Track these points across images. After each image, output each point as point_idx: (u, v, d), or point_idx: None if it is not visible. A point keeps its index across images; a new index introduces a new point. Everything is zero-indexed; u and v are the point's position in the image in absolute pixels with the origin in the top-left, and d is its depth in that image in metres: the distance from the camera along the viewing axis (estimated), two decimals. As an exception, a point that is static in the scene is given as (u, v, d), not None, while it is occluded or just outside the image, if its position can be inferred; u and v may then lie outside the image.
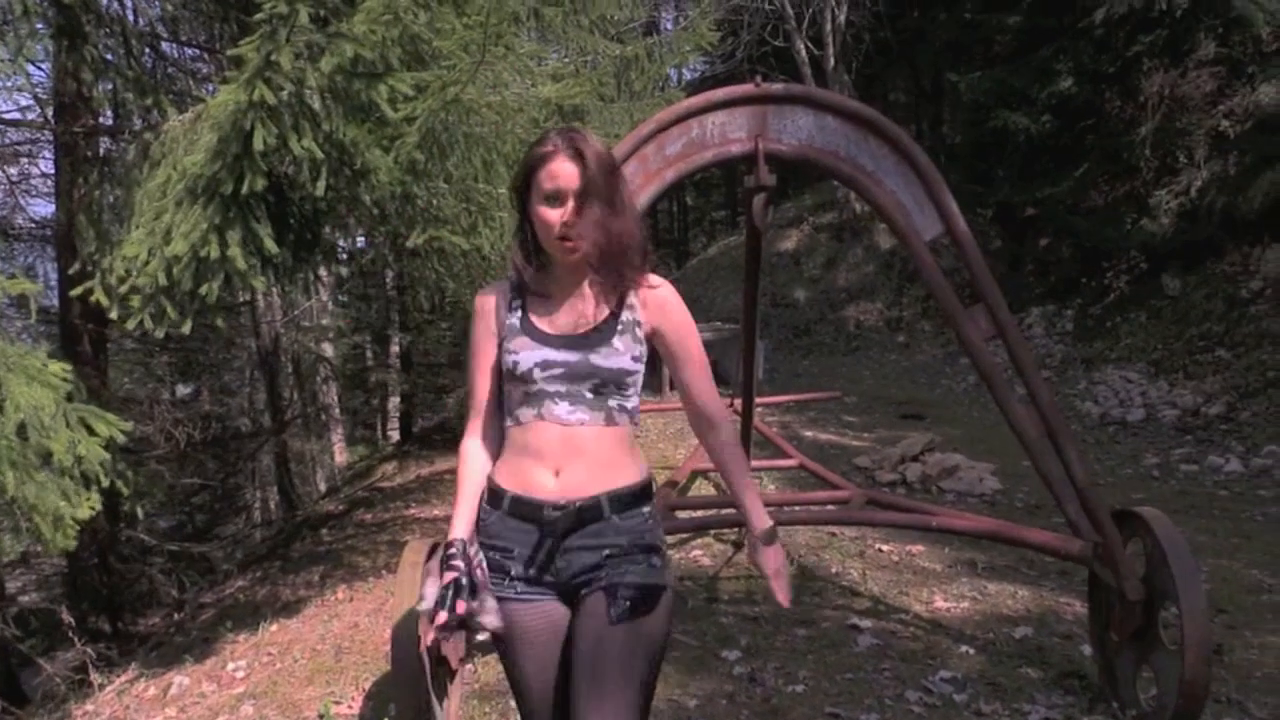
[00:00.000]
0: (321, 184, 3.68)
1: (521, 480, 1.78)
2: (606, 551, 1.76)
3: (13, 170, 8.23)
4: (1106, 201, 11.77)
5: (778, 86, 3.31)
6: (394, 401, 14.18)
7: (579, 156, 1.70)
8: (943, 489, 6.40)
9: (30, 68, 5.14)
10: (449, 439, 11.11)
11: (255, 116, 3.42)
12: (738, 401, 5.35)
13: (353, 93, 3.65)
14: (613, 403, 1.78)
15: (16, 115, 8.03)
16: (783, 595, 1.91)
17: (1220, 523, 5.57)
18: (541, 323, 1.80)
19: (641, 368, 1.80)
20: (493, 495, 1.82)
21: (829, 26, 16.73)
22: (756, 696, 3.41)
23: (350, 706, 3.71)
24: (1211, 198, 10.51)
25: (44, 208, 9.06)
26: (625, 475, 1.79)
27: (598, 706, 1.69)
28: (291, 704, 3.80)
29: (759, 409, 5.18)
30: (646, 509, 1.82)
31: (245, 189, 3.51)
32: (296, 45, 3.45)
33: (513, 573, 1.78)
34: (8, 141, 7.83)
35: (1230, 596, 4.22)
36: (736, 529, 5.02)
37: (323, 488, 13.88)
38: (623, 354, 1.76)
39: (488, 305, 1.86)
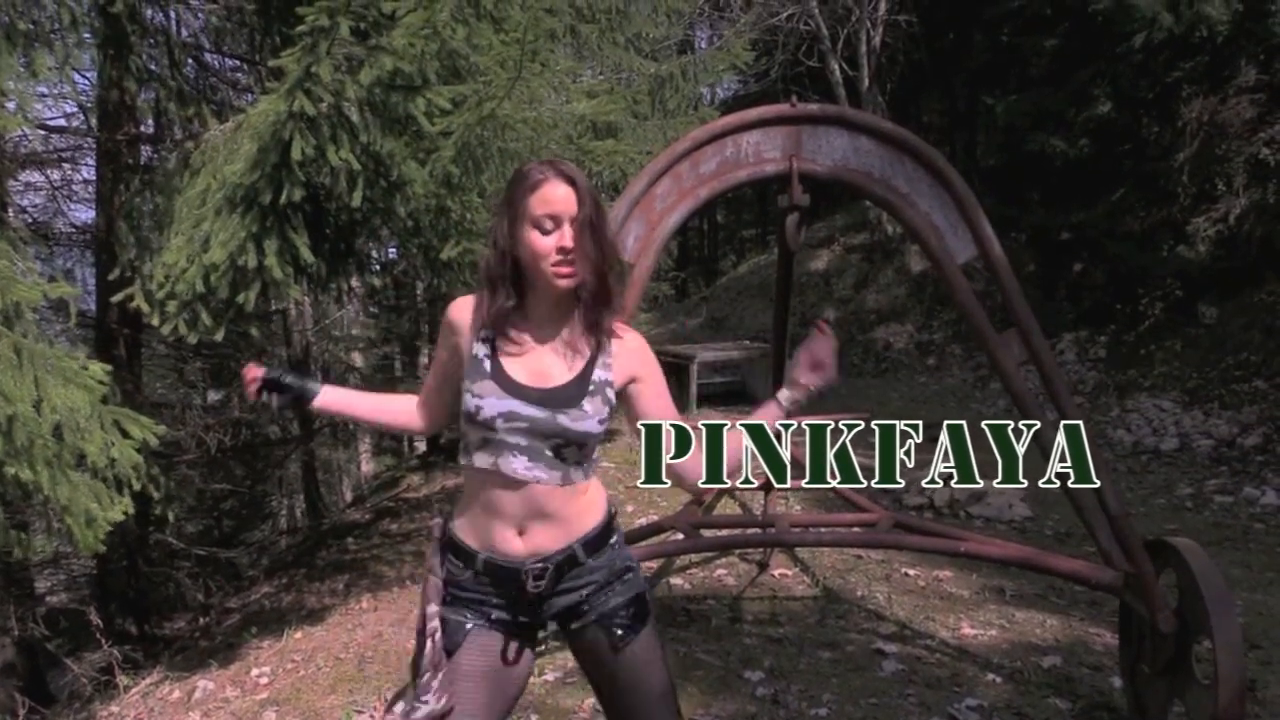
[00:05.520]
0: (358, 195, 3.72)
1: (487, 540, 1.77)
2: (586, 590, 1.79)
3: (55, 175, 8.35)
4: (1142, 228, 11.63)
5: (813, 106, 3.31)
6: (421, 412, 14.22)
7: (571, 182, 1.68)
8: (971, 514, 6.33)
9: (75, 76, 5.25)
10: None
11: (294, 127, 3.46)
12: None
13: (390, 105, 3.70)
14: (571, 462, 1.75)
15: (61, 122, 8.18)
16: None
17: (1256, 556, 5.47)
18: (513, 368, 1.73)
19: (605, 428, 1.77)
20: (460, 552, 1.80)
21: (864, 48, 16.71)
22: (779, 719, 3.39)
23: (373, 716, 3.71)
24: (1250, 226, 10.37)
25: (84, 213, 9.17)
26: (589, 520, 1.79)
27: None
28: (314, 712, 3.81)
29: (786, 429, 5.20)
30: (613, 539, 1.84)
31: (283, 199, 3.56)
32: (336, 58, 3.50)
33: (491, 617, 1.80)
34: (51, 148, 7.95)
35: (1265, 631, 4.14)
36: (761, 549, 5.00)
37: (349, 497, 13.95)
38: (591, 417, 1.72)
39: (460, 320, 1.81)
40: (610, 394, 1.75)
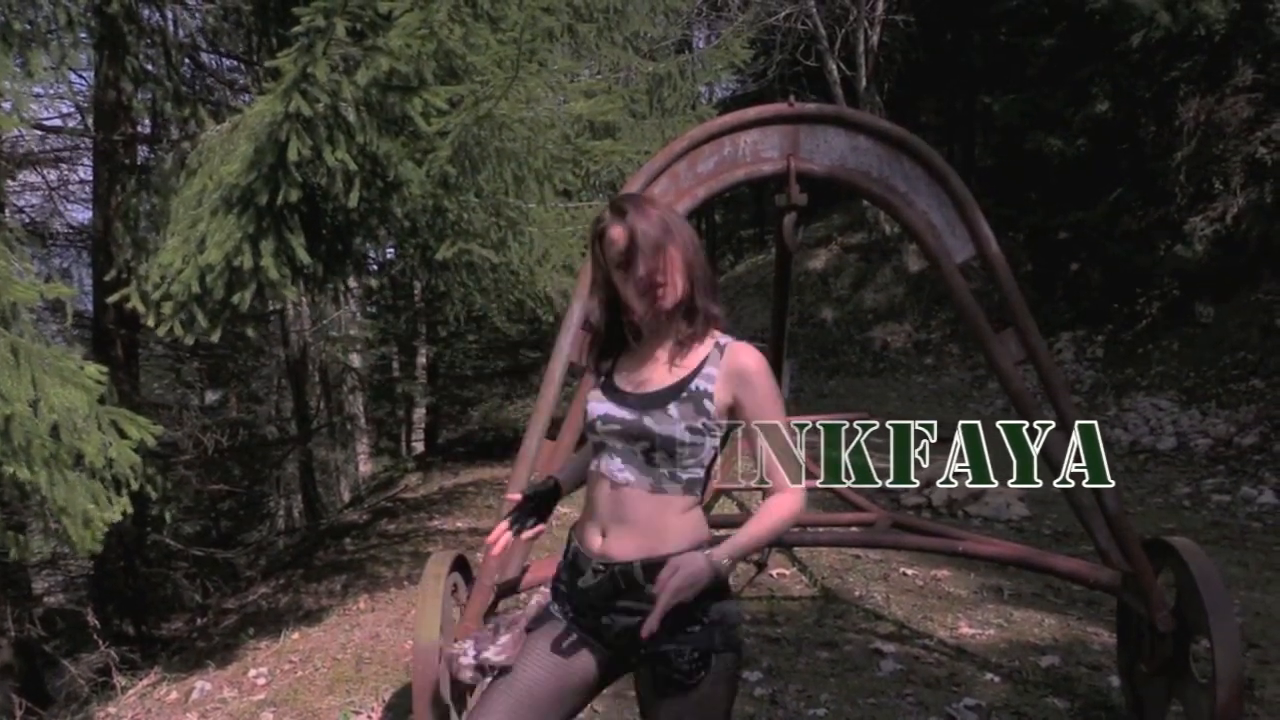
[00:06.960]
0: (355, 195, 3.70)
1: (582, 535, 1.87)
2: (641, 620, 1.76)
3: (52, 176, 8.33)
4: (1140, 227, 11.64)
5: (811, 106, 3.31)
6: (419, 413, 14.24)
7: (623, 215, 1.76)
8: (969, 513, 6.33)
9: (72, 76, 5.24)
10: (473, 451, 11.15)
11: (291, 128, 3.45)
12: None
13: (387, 106, 3.69)
14: (663, 470, 1.78)
15: (57, 122, 8.16)
16: (652, 619, 1.66)
17: (1253, 555, 5.48)
18: (620, 378, 1.86)
19: (702, 440, 1.77)
20: (569, 545, 1.92)
21: (861, 47, 16.73)
22: (777, 718, 3.38)
23: (370, 717, 3.71)
24: (1247, 225, 10.38)
25: (81, 214, 9.14)
26: (667, 544, 1.77)
27: None
28: (311, 712, 3.81)
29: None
30: None
31: (280, 199, 3.54)
32: (333, 58, 3.48)
33: (570, 615, 1.87)
34: (48, 148, 7.93)
35: (1263, 630, 4.14)
36: (759, 549, 4.99)
37: (346, 497, 13.94)
38: (676, 422, 1.75)
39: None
40: (709, 405, 1.77)
